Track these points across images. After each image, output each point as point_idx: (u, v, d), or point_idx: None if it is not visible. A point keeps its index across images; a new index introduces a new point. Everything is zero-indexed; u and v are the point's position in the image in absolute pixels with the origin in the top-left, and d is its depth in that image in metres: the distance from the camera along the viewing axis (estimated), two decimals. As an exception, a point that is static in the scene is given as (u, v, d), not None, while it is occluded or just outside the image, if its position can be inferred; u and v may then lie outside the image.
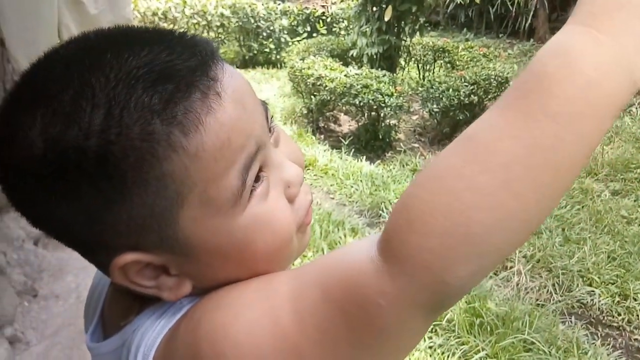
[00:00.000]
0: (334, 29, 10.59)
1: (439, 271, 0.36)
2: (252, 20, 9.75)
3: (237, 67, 8.42)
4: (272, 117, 0.52)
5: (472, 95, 5.44)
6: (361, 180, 4.63)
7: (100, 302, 0.58)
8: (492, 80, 5.58)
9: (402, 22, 6.67)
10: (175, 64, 0.41)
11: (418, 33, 6.91)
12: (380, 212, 4.12)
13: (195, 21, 9.38)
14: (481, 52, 6.80)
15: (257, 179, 0.46)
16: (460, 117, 5.53)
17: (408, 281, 0.36)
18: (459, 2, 11.04)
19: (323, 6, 11.85)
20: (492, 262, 0.37)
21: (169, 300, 0.47)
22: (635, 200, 4.31)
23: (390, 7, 6.27)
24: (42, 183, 0.40)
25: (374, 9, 6.51)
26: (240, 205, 0.44)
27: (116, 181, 0.40)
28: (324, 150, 5.41)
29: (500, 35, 11.40)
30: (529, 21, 10.78)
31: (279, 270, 0.51)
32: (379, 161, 5.40)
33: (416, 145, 5.88)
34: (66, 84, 0.40)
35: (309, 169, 4.88)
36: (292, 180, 0.51)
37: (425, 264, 0.36)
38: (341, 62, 6.64)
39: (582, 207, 4.15)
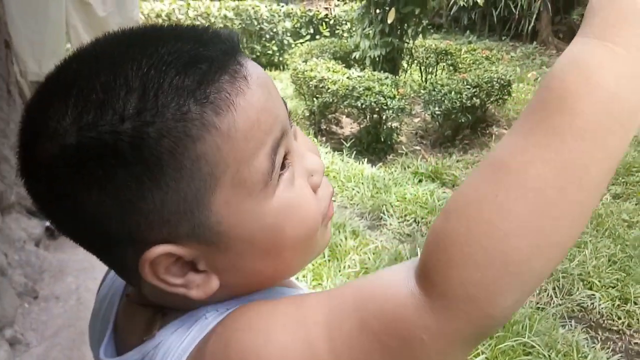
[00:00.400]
0: (336, 31, 10.62)
1: (484, 304, 0.36)
2: (255, 23, 9.78)
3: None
4: (291, 112, 0.53)
5: (474, 98, 5.43)
6: (362, 183, 4.63)
7: (112, 315, 0.57)
8: (494, 82, 5.58)
9: (405, 25, 6.67)
10: (203, 50, 0.42)
11: (421, 35, 6.90)
12: (382, 214, 4.12)
13: (198, 23, 9.39)
14: (484, 55, 6.80)
15: (283, 166, 0.47)
16: (462, 120, 5.53)
17: (452, 315, 0.36)
18: (462, 5, 11.03)
19: (326, 8, 11.86)
20: (533, 287, 0.37)
21: (197, 298, 0.46)
22: (636, 204, 4.31)
23: (393, 10, 6.28)
24: (76, 173, 0.40)
25: (377, 11, 6.52)
26: (270, 188, 0.45)
27: (152, 165, 0.40)
28: (326, 153, 5.41)
29: (503, 38, 11.40)
30: (532, 24, 10.78)
31: (302, 263, 0.52)
32: (380, 164, 5.40)
33: (418, 148, 5.88)
34: (97, 73, 0.40)
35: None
36: (315, 168, 0.51)
37: (469, 298, 0.36)
38: (344, 65, 6.65)
39: (584, 210, 4.14)
